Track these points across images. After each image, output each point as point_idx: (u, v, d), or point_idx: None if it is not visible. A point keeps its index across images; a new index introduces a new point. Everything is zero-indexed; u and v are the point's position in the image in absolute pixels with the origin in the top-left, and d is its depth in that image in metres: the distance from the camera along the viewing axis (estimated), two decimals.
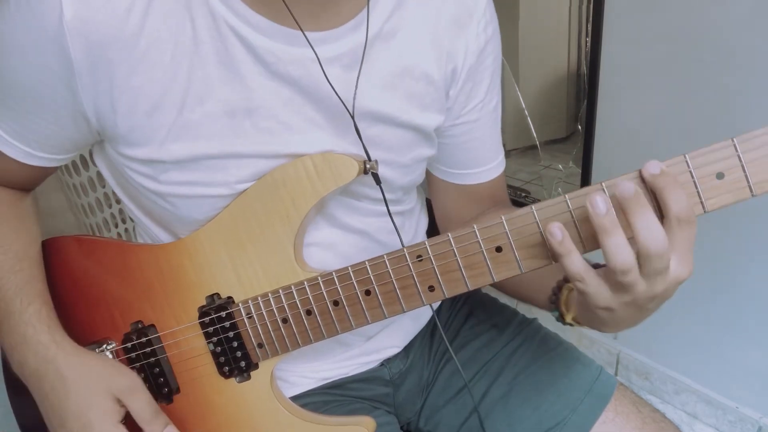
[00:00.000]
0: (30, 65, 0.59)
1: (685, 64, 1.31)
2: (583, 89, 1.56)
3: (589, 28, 1.46)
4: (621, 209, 0.50)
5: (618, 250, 0.50)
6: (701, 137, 1.32)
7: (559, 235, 0.52)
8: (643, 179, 0.52)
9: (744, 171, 0.50)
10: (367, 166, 0.65)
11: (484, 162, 0.82)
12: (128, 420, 0.67)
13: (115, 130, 0.63)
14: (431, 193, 0.89)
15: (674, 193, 0.50)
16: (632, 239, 0.50)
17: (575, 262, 0.53)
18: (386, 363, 0.86)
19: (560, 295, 0.66)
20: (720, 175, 0.51)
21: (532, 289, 0.74)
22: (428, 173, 0.86)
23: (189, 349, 0.71)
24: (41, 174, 0.74)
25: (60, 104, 0.62)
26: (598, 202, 0.50)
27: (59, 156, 0.70)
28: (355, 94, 0.65)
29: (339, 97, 0.63)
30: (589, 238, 0.54)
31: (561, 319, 0.67)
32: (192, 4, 0.59)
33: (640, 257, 0.50)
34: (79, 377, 0.65)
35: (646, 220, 0.49)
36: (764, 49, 1.18)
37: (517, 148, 1.81)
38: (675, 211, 0.50)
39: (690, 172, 0.51)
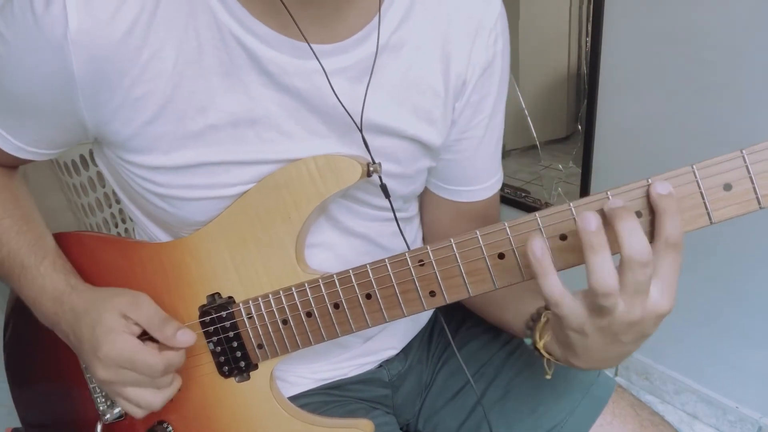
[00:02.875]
0: (30, 74, 0.59)
1: (685, 64, 1.31)
2: (583, 89, 1.56)
3: (589, 28, 1.46)
4: (609, 221, 0.49)
5: (603, 269, 0.49)
6: (701, 137, 1.33)
7: (538, 252, 0.51)
8: (648, 193, 0.51)
9: (752, 183, 0.49)
10: (371, 168, 0.65)
11: (482, 180, 0.80)
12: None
13: (115, 137, 0.63)
14: (421, 206, 0.86)
15: (674, 218, 0.49)
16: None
17: (552, 284, 0.51)
18: (385, 365, 0.86)
19: (537, 323, 0.64)
20: (727, 187, 0.50)
21: (510, 313, 0.73)
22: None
23: (189, 348, 0.70)
24: (25, 163, 0.74)
25: (58, 111, 0.62)
26: (589, 217, 0.49)
27: (50, 151, 0.70)
28: (363, 107, 0.64)
29: (347, 110, 0.63)
30: None
31: (534, 346, 0.65)
32: (197, 14, 0.59)
33: (623, 266, 0.49)
34: (87, 305, 0.66)
35: (631, 226, 0.48)
36: (764, 48, 1.18)
37: (517, 148, 1.81)
38: (666, 234, 0.49)
39: (697, 182, 0.50)
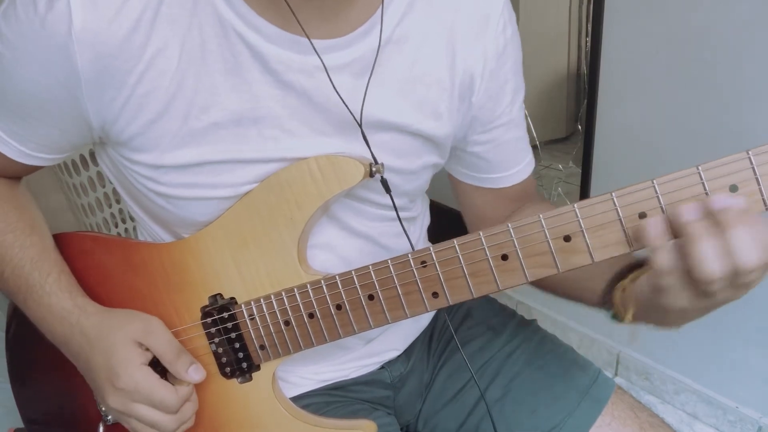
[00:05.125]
0: (35, 74, 0.59)
1: (685, 64, 1.31)
2: (583, 89, 1.56)
3: (589, 28, 1.46)
4: (718, 222, 0.47)
5: (708, 257, 0.47)
6: (701, 137, 1.33)
7: (658, 227, 0.50)
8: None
9: (758, 184, 0.49)
10: (373, 169, 0.65)
11: (516, 163, 0.80)
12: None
13: (118, 137, 0.63)
14: (460, 198, 0.86)
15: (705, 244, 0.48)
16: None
17: (669, 255, 0.50)
18: (387, 366, 0.86)
19: (613, 296, 0.63)
20: (734, 188, 0.50)
21: (579, 289, 0.72)
22: (456, 181, 0.84)
23: (191, 348, 0.71)
24: (34, 169, 0.74)
25: (63, 111, 0.62)
26: (689, 207, 0.48)
27: (55, 156, 0.70)
28: (363, 102, 0.64)
29: (347, 106, 0.63)
30: (597, 248, 0.54)
31: (617, 317, 0.63)
32: (200, 12, 0.59)
33: (736, 272, 0.47)
34: (100, 332, 0.66)
35: (751, 231, 0.46)
36: (764, 48, 1.18)
37: None
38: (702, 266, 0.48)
39: (702, 183, 0.50)
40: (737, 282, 0.49)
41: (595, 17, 1.43)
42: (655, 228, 0.50)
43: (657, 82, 1.38)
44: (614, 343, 1.80)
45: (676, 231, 0.50)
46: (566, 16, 1.59)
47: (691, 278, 0.49)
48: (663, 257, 0.50)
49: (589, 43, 1.48)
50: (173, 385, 0.66)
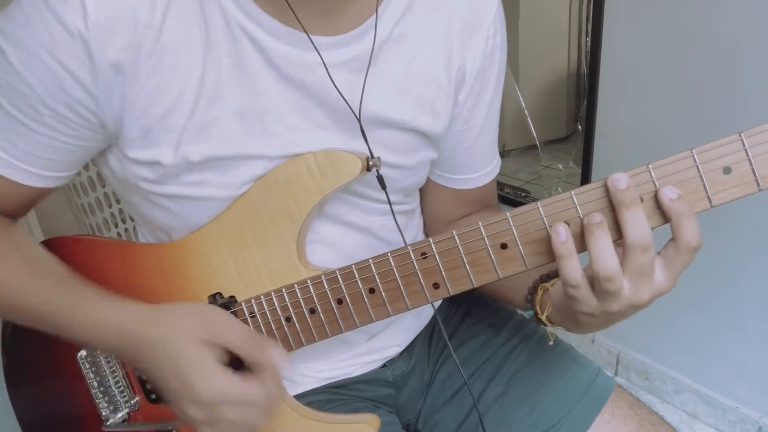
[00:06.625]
0: (46, 70, 0.57)
1: (685, 64, 1.32)
2: (583, 89, 1.56)
3: (589, 28, 1.47)
4: (613, 205, 0.52)
5: (604, 253, 0.51)
6: (701, 136, 1.31)
7: (563, 235, 0.53)
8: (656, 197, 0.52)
9: (751, 165, 0.50)
10: (370, 163, 0.65)
11: (483, 166, 0.82)
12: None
13: (129, 133, 0.62)
14: (421, 192, 0.87)
15: (692, 221, 0.51)
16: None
17: (573, 266, 0.53)
18: (389, 364, 0.85)
19: (535, 295, 0.66)
20: (727, 170, 0.51)
21: (509, 288, 0.74)
22: None
23: None
24: (38, 197, 0.70)
25: (76, 111, 0.60)
26: (594, 215, 0.52)
27: (64, 173, 0.68)
28: (361, 98, 0.65)
29: (346, 101, 0.63)
30: None
31: (535, 317, 0.67)
32: (205, 6, 0.59)
33: (626, 252, 0.51)
34: (160, 341, 0.60)
35: (634, 213, 0.50)
36: (764, 48, 1.18)
37: (517, 148, 1.81)
38: (688, 239, 0.51)
39: (697, 166, 0.51)
40: (632, 266, 0.51)
41: (595, 17, 1.44)
42: (559, 235, 0.53)
43: (657, 82, 1.39)
44: (614, 343, 1.80)
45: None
46: (566, 16, 1.59)
47: (591, 281, 0.53)
48: (572, 266, 0.53)
49: (589, 43, 1.48)
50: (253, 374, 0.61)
